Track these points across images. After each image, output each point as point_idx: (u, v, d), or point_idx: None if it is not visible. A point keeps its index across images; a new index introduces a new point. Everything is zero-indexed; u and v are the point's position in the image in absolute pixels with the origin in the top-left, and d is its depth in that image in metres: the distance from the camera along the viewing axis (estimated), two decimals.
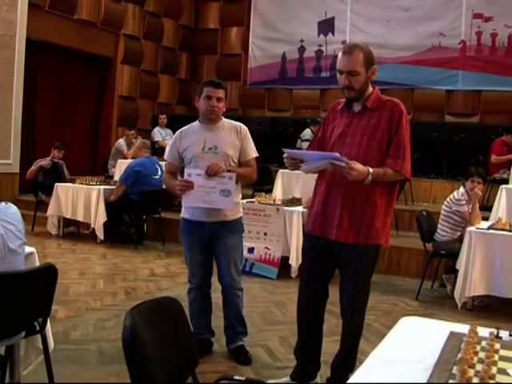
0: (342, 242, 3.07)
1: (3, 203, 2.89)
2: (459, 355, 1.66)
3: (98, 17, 11.40)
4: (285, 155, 3.09)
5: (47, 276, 2.89)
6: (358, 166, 2.88)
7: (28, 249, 3.27)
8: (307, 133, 9.61)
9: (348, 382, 1.62)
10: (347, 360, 3.22)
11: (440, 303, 5.74)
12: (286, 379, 3.43)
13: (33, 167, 8.46)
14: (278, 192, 8.04)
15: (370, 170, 2.93)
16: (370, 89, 3.14)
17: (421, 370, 1.66)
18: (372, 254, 3.14)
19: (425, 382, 1.57)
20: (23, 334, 2.90)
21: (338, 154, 2.90)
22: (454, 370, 1.58)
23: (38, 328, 2.95)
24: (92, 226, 7.81)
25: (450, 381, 1.54)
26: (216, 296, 4.16)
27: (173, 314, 2.15)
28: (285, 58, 13.08)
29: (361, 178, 2.91)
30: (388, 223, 3.16)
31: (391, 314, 5.24)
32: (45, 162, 8.47)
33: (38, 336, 3.02)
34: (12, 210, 2.89)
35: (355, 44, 3.11)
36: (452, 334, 1.96)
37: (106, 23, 11.61)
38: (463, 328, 2.02)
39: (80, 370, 3.57)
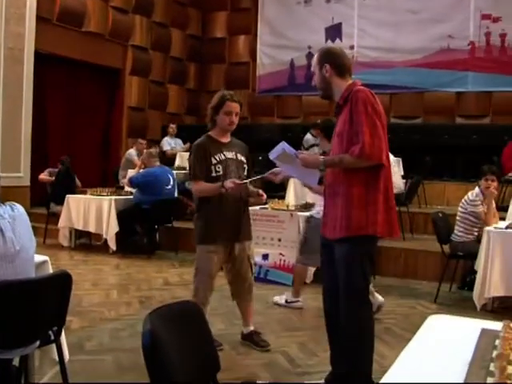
0: (331, 238, 3.12)
1: (8, 203, 2.74)
2: (495, 352, 1.57)
3: (105, 28, 11.42)
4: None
5: (61, 284, 2.81)
6: (307, 157, 3.21)
7: (41, 257, 3.20)
8: (309, 138, 9.54)
9: (382, 381, 1.54)
10: (349, 359, 3.09)
11: (459, 305, 5.63)
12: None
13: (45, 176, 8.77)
14: (290, 198, 7.99)
15: (320, 158, 3.12)
16: (343, 85, 3.13)
17: (456, 368, 1.57)
18: (359, 246, 3.03)
19: (462, 380, 1.49)
20: (37, 343, 2.82)
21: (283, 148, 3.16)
22: (492, 367, 1.50)
23: (52, 338, 2.88)
24: (104, 236, 7.74)
25: (489, 378, 1.46)
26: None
27: (193, 318, 2.08)
28: (293, 64, 13.01)
29: (316, 167, 3.14)
30: (376, 212, 2.98)
31: (410, 317, 5.14)
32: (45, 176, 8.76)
33: (53, 346, 2.94)
34: (21, 210, 2.77)
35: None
36: (484, 331, 1.88)
37: (114, 35, 11.62)
38: (494, 325, 1.94)
39: (96, 379, 3.50)
